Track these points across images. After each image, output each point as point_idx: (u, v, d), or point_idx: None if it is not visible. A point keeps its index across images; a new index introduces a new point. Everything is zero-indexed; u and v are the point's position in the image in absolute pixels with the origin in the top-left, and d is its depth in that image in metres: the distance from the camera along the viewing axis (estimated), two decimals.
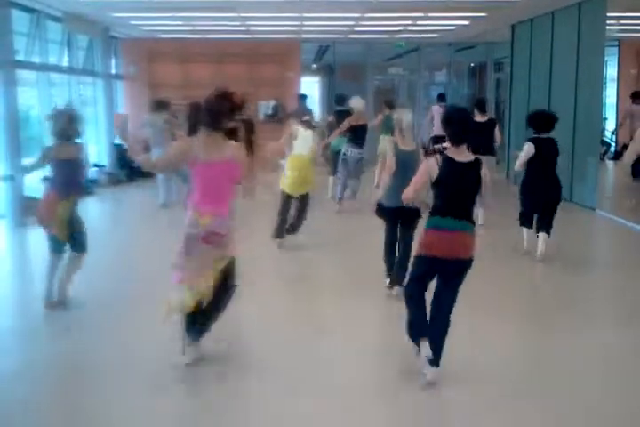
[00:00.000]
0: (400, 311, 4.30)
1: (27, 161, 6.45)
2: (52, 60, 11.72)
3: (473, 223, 4.11)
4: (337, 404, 3.85)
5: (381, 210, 5.66)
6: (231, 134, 4.21)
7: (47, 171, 5.56)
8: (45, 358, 4.57)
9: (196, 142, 4.15)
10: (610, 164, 14.44)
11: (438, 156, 4.10)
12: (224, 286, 4.25)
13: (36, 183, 7.25)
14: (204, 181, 4.17)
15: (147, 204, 10.67)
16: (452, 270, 4.06)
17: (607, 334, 5.01)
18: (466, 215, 4.06)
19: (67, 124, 5.40)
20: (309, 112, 10.89)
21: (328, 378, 4.20)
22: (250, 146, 4.25)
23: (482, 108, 8.86)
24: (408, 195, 4.20)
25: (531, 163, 6.70)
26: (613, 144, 15.03)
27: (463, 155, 4.10)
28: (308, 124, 7.44)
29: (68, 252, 5.51)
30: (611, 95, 15.37)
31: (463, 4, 10.62)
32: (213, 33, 14.47)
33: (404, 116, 5.65)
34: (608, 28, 10.10)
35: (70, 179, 5.44)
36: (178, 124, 9.68)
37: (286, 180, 7.30)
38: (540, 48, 11.76)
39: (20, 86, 9.83)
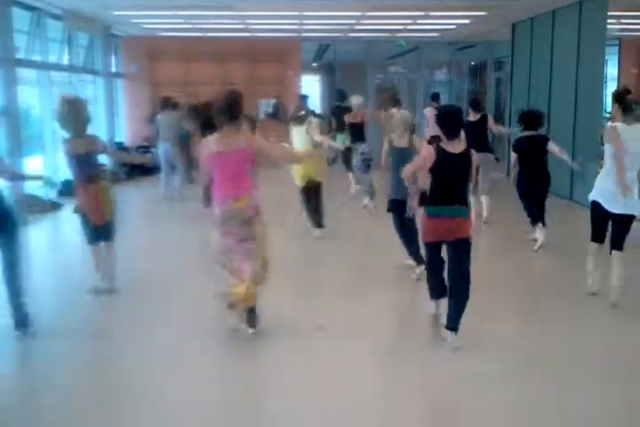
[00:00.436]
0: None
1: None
2: (53, 58, 11.71)
3: (468, 207, 4.56)
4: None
5: (388, 202, 6.18)
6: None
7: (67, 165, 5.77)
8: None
9: (210, 140, 4.59)
10: None
11: (436, 145, 4.57)
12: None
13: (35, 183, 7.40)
14: (223, 170, 4.57)
15: (151, 199, 11.03)
16: (455, 247, 4.57)
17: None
18: (460, 201, 4.50)
19: (75, 116, 5.54)
20: (311, 113, 10.82)
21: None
22: None
23: (476, 106, 8.96)
24: (406, 172, 4.81)
25: (520, 160, 7.22)
26: None
27: (455, 147, 4.53)
28: (300, 121, 7.73)
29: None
30: (609, 95, 15.36)
31: (464, 2, 10.62)
32: (214, 31, 14.46)
33: (397, 113, 6.18)
34: (609, 26, 10.09)
35: (87, 171, 5.62)
36: (188, 121, 10.19)
37: (297, 172, 7.72)
38: (540, 47, 11.76)
39: (20, 85, 9.83)
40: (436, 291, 4.91)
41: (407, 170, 4.84)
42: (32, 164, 10.43)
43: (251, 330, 4.85)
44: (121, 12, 11.89)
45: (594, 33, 9.82)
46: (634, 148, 5.25)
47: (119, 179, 10.22)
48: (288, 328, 5.02)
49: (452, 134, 4.54)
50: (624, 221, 5.34)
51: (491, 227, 8.41)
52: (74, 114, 5.56)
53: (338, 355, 4.54)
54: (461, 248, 4.53)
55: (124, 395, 4.05)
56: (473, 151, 4.60)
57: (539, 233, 7.16)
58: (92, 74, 13.57)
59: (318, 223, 7.91)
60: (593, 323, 5.24)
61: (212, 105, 4.62)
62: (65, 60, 12.39)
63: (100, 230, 5.75)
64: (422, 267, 5.65)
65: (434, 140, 5.58)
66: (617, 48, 15.63)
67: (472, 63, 18.98)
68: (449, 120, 4.58)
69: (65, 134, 5.72)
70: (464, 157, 4.52)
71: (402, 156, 5.86)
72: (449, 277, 4.64)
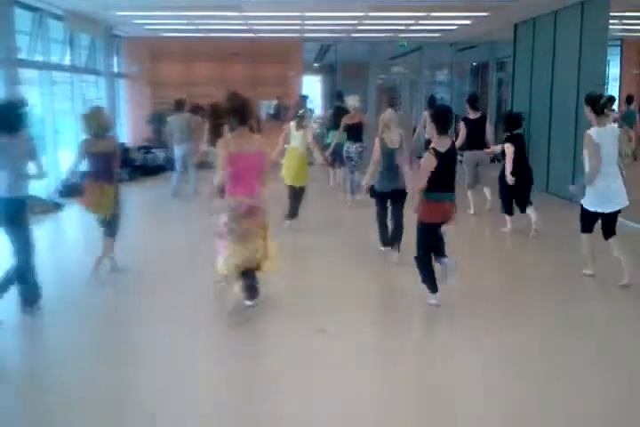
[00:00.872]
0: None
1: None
2: (55, 58, 11.73)
3: (454, 194, 5.43)
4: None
5: (373, 192, 6.83)
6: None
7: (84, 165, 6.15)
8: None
9: (228, 140, 4.98)
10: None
11: (433, 151, 5.24)
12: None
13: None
14: (236, 171, 4.94)
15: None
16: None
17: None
18: (450, 189, 5.37)
19: (99, 122, 6.03)
20: (309, 113, 11.15)
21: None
22: None
23: (473, 105, 9.25)
24: (421, 183, 5.26)
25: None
26: None
27: (444, 144, 5.28)
28: (299, 125, 8.29)
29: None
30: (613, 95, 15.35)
31: (465, 3, 10.62)
32: (216, 32, 14.47)
33: (387, 115, 6.73)
34: (611, 27, 10.09)
35: (104, 169, 6.03)
36: (200, 122, 10.67)
37: (286, 172, 8.27)
38: (542, 47, 11.75)
39: (22, 85, 9.84)
40: (432, 282, 5.45)
41: (422, 181, 5.27)
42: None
43: (248, 302, 5.21)
44: (123, 13, 11.90)
45: (596, 33, 9.81)
46: (609, 146, 5.79)
47: (122, 179, 10.31)
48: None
49: (444, 130, 5.32)
50: (614, 215, 5.95)
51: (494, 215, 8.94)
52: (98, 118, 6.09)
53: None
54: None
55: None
56: (455, 146, 5.49)
57: (534, 216, 8.00)
58: (94, 74, 13.59)
59: (291, 214, 8.36)
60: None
61: (222, 106, 5.01)
62: (67, 61, 12.41)
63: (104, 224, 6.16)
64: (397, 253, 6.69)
65: (429, 143, 5.97)
66: (619, 48, 15.58)
67: (474, 64, 18.97)
68: (442, 118, 5.37)
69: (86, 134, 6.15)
70: (452, 154, 5.35)
71: (392, 155, 6.60)
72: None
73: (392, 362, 4.58)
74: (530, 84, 12.29)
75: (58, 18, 11.37)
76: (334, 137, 10.54)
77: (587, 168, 5.86)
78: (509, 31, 13.22)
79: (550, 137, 11.25)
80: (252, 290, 5.23)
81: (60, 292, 5.96)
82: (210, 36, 14.96)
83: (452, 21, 12.98)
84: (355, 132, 9.90)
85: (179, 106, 11.19)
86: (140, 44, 15.40)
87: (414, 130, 13.70)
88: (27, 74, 10.50)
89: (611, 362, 4.55)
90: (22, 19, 10.34)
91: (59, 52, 12.04)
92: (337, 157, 10.86)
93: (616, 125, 7.01)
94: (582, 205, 6.03)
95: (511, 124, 8.00)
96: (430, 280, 5.46)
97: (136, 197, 11.02)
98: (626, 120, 12.92)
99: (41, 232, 8.74)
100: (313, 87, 19.39)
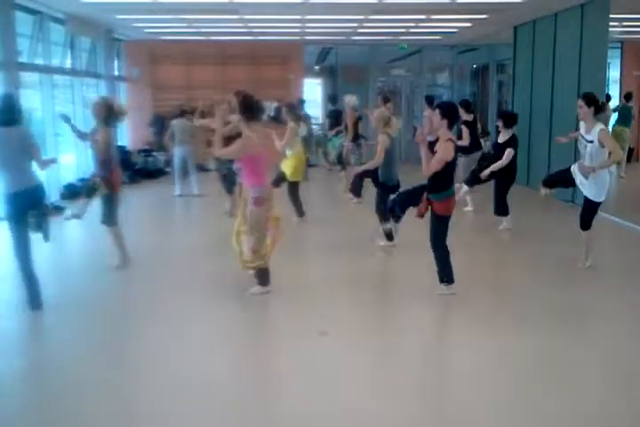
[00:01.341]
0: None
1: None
2: (55, 62, 11.73)
3: None
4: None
5: (385, 187, 7.21)
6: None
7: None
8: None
9: (252, 138, 5.38)
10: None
11: (452, 143, 5.45)
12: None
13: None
14: (252, 165, 5.49)
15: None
16: None
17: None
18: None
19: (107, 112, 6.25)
20: (307, 118, 12.43)
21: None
22: None
23: (467, 107, 9.72)
24: (439, 165, 5.45)
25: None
26: None
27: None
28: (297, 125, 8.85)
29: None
30: (613, 97, 15.35)
31: (465, 6, 10.63)
32: (216, 35, 14.48)
33: (384, 112, 7.34)
34: (611, 29, 10.10)
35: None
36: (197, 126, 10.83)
37: (287, 170, 8.60)
38: (542, 50, 11.76)
39: (23, 88, 9.84)
40: (452, 271, 5.73)
41: (436, 167, 5.47)
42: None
43: (258, 288, 5.73)
44: (123, 16, 11.91)
45: (596, 36, 9.82)
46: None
47: (122, 182, 10.55)
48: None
49: (454, 125, 5.61)
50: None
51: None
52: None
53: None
54: None
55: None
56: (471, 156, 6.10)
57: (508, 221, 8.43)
58: (95, 77, 13.59)
59: (299, 212, 8.78)
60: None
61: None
62: (67, 64, 12.41)
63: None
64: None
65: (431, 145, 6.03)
66: (619, 51, 15.60)
67: (474, 66, 18.98)
68: (455, 112, 5.67)
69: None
70: (456, 149, 5.59)
71: (394, 150, 7.17)
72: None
73: (391, 362, 4.57)
74: (530, 87, 12.29)
75: (58, 21, 11.38)
76: (336, 143, 10.71)
77: (604, 158, 6.12)
78: (509, 33, 13.24)
79: (551, 139, 11.23)
80: (262, 276, 5.74)
81: (63, 291, 5.98)
82: (210, 39, 14.97)
83: (453, 24, 13.00)
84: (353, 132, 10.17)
85: (183, 112, 11.54)
86: (140, 48, 15.41)
87: (415, 129, 13.73)
88: (27, 77, 10.50)
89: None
90: (23, 22, 10.35)
91: (59, 56, 12.05)
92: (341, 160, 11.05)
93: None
94: (593, 201, 6.24)
95: (512, 120, 8.28)
96: (451, 270, 5.70)
97: (136, 199, 11.07)
98: (621, 114, 12.98)
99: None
100: (314, 90, 19.40)
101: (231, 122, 6.82)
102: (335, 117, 12.13)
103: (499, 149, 8.22)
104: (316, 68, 19.90)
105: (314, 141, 13.63)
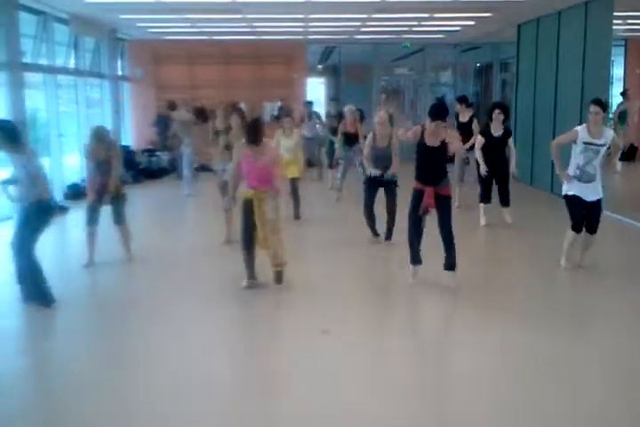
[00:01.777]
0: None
1: None
2: (59, 62, 11.76)
3: None
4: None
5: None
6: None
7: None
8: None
9: (243, 151, 5.81)
10: (618, 164, 14.32)
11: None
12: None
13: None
14: (251, 171, 5.78)
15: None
16: None
17: None
18: None
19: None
20: (316, 116, 12.78)
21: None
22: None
23: (468, 104, 10.00)
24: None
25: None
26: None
27: None
28: (289, 132, 9.01)
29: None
30: (617, 95, 15.31)
31: (469, 4, 10.60)
32: (219, 34, 14.49)
33: (377, 117, 7.55)
34: (614, 27, 10.06)
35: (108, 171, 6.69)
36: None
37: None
38: (546, 48, 11.72)
39: (27, 89, 9.87)
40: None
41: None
42: None
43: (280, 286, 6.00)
44: (127, 16, 11.93)
45: (599, 33, 9.79)
46: None
47: (126, 182, 10.62)
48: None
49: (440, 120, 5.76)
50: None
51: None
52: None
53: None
54: None
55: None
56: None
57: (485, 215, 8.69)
58: (99, 77, 13.62)
59: (295, 215, 8.99)
60: None
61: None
62: (71, 64, 12.44)
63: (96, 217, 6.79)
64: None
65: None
66: (623, 48, 15.55)
67: (477, 65, 18.94)
68: (433, 112, 5.74)
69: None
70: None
71: (379, 153, 7.41)
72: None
73: (392, 361, 4.57)
74: (534, 85, 12.26)
75: (62, 21, 11.40)
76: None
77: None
78: (513, 32, 13.20)
79: (554, 137, 11.19)
80: (277, 275, 5.97)
81: (63, 291, 5.94)
82: (213, 38, 14.99)
83: (456, 22, 12.96)
84: (349, 140, 10.23)
85: (172, 105, 12.29)
86: (143, 47, 15.44)
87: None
88: (31, 77, 10.53)
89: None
90: (27, 22, 10.38)
91: (63, 56, 12.08)
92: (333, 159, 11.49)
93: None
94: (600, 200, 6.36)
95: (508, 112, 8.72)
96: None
97: (140, 199, 11.09)
98: (620, 118, 13.06)
99: (48, 235, 8.90)
100: (317, 89, 19.40)
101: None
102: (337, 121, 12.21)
103: (497, 142, 8.44)
104: (319, 67, 19.90)
105: (318, 142, 13.66)
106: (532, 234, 8.37)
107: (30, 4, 10.19)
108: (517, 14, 11.68)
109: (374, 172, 7.32)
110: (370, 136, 7.52)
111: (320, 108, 17.88)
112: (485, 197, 8.64)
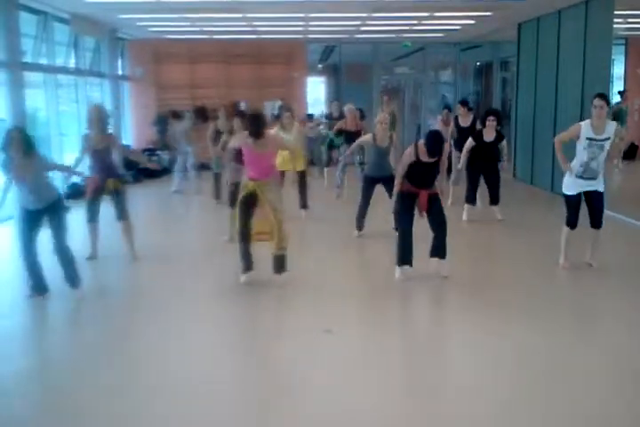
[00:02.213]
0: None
1: None
2: (59, 61, 11.76)
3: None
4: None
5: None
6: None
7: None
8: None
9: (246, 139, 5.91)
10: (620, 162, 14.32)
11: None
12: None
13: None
14: (252, 163, 5.92)
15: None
16: None
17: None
18: None
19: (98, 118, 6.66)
20: (310, 117, 13.32)
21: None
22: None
23: (468, 107, 10.27)
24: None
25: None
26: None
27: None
28: (289, 126, 9.24)
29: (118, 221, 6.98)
30: (615, 94, 15.29)
31: (469, 3, 10.60)
32: (220, 34, 14.49)
33: (378, 117, 7.72)
34: (615, 26, 10.04)
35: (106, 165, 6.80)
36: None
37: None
38: (546, 47, 11.72)
39: (27, 88, 9.87)
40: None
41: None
42: None
43: (284, 275, 6.06)
44: (127, 16, 11.93)
45: (600, 32, 9.78)
46: None
47: (126, 181, 10.66)
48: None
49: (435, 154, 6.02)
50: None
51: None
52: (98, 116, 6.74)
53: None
54: None
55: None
56: None
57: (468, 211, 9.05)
58: (99, 77, 13.62)
59: (303, 204, 9.26)
60: None
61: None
62: (72, 64, 12.45)
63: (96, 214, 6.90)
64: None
65: None
66: (623, 47, 15.53)
67: (478, 63, 18.94)
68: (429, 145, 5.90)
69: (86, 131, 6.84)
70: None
71: (379, 152, 7.61)
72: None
73: (391, 361, 4.57)
74: (534, 84, 12.25)
75: (62, 21, 11.40)
76: (336, 143, 11.22)
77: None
78: (513, 31, 13.19)
79: (555, 136, 11.19)
80: (278, 264, 6.05)
81: (62, 291, 5.99)
82: (213, 37, 14.98)
83: (456, 21, 12.96)
84: (348, 138, 10.32)
85: (175, 114, 12.12)
86: (144, 47, 15.43)
87: (419, 127, 13.73)
88: (32, 77, 10.54)
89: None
90: (27, 22, 10.38)
91: (63, 55, 12.08)
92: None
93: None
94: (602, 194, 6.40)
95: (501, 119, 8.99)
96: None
97: (141, 198, 11.12)
98: (617, 116, 13.03)
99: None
100: (317, 88, 19.39)
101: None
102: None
103: (488, 146, 8.70)
104: (320, 66, 19.89)
105: (318, 141, 13.68)
106: (531, 233, 8.38)
107: (30, 3, 10.19)
108: (517, 13, 11.67)
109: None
110: (370, 136, 7.68)
111: (320, 107, 17.98)
112: (471, 199, 9.01)
